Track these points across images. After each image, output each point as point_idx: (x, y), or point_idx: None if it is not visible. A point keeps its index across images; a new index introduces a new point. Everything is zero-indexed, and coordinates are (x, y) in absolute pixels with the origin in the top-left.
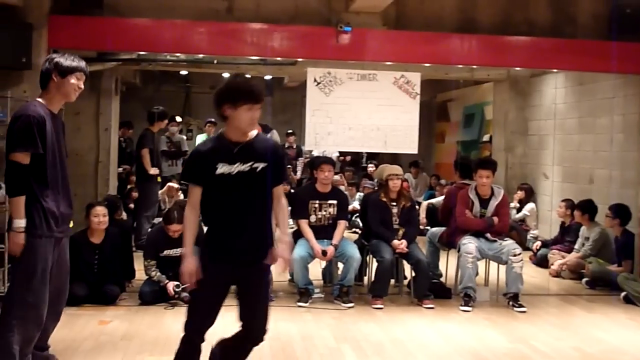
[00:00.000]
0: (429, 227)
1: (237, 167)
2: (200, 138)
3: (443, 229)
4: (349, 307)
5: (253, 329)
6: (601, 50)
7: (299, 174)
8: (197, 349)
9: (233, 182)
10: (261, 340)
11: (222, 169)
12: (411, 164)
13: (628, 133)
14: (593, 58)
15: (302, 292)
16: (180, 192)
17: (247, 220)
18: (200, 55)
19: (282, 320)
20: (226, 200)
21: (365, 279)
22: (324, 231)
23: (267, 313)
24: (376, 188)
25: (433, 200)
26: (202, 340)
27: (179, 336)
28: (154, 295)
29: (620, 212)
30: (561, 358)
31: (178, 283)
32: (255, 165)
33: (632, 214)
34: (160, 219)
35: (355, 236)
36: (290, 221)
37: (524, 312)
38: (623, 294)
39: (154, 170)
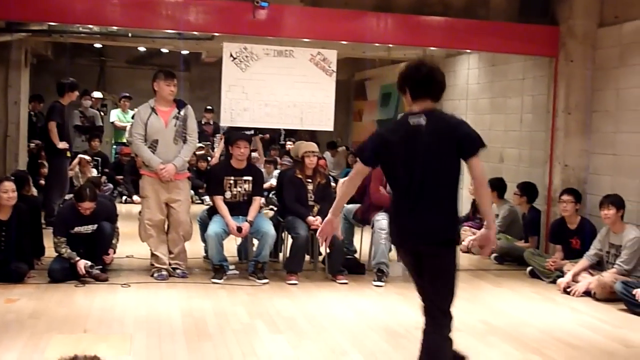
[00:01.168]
0: (346, 205)
1: None
2: (114, 113)
3: (358, 205)
4: (264, 284)
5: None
6: (512, 32)
7: (216, 150)
8: None
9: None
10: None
11: None
12: (329, 144)
13: (537, 113)
14: (504, 40)
15: (216, 269)
16: (93, 166)
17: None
18: (115, 28)
19: (195, 297)
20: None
21: (281, 255)
22: (239, 207)
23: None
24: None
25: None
26: None
27: (89, 314)
28: (64, 273)
29: (528, 190)
30: (469, 330)
31: (88, 262)
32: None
33: (539, 192)
34: (72, 195)
35: (272, 213)
36: (207, 197)
37: None
38: (529, 268)
39: (62, 145)
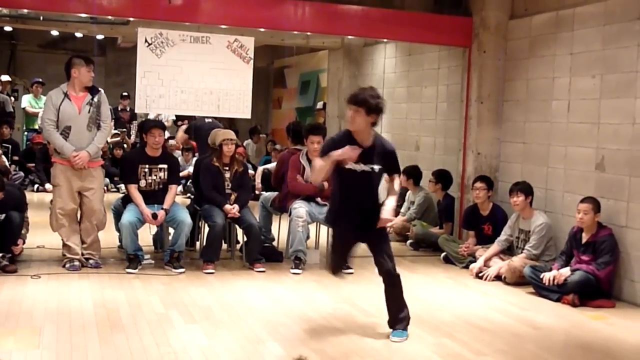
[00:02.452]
0: (264, 192)
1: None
2: (26, 99)
3: (276, 193)
4: (180, 273)
5: None
6: (427, 22)
7: (132, 137)
8: None
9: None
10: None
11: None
12: (251, 131)
13: (451, 102)
14: (420, 30)
15: (131, 259)
16: (3, 157)
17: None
18: (25, 11)
19: (109, 288)
20: None
21: (198, 244)
22: (154, 196)
23: None
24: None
25: (268, 166)
26: None
27: None
28: None
29: (442, 177)
30: (383, 316)
31: None
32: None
33: (453, 179)
34: None
35: (188, 201)
36: (122, 186)
37: (352, 273)
38: (443, 254)
39: None
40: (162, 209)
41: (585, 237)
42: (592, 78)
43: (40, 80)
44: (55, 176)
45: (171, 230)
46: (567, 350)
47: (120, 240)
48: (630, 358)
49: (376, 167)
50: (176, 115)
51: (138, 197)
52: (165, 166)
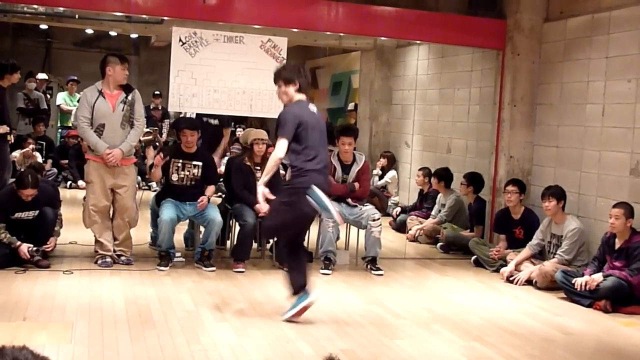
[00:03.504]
0: None
1: None
2: (61, 96)
3: None
4: (210, 271)
5: None
6: (461, 24)
7: (164, 136)
8: None
9: None
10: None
11: None
12: None
13: (483, 105)
14: (453, 32)
15: (162, 256)
16: (37, 153)
17: None
18: (61, 9)
19: (140, 284)
20: None
21: (228, 243)
22: (185, 192)
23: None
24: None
25: None
26: None
27: (29, 301)
28: (4, 259)
29: (474, 180)
30: (413, 318)
31: (31, 245)
32: None
33: (485, 182)
34: (13, 180)
35: (219, 200)
36: (154, 184)
37: (381, 275)
38: (473, 257)
39: (1, 129)
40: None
41: (618, 243)
42: (628, 82)
43: (76, 78)
44: (89, 173)
45: (202, 229)
46: (598, 356)
47: (152, 238)
48: None
49: None
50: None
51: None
52: (200, 164)
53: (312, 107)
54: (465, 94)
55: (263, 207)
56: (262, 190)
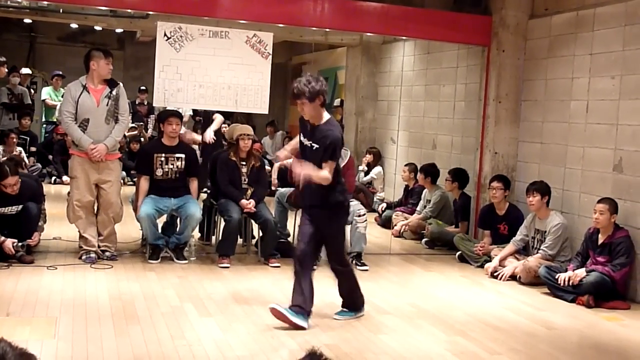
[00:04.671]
0: (280, 188)
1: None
2: (46, 91)
3: (292, 189)
4: (183, 264)
5: None
6: (446, 20)
7: (150, 131)
8: None
9: None
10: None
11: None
12: (267, 124)
13: (469, 101)
14: (439, 28)
15: (153, 249)
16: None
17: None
18: (45, 3)
19: (124, 280)
20: None
21: (213, 238)
22: (170, 186)
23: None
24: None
25: (285, 162)
26: None
27: (12, 297)
28: None
29: (459, 176)
30: (397, 313)
31: (16, 240)
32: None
33: (470, 178)
34: None
35: (205, 195)
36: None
37: (366, 270)
38: (458, 253)
39: None
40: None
41: (601, 238)
42: (612, 79)
43: (60, 73)
44: (73, 168)
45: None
46: (581, 350)
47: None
48: None
49: (315, 146)
50: (193, 110)
51: (142, 189)
52: (183, 156)
53: None
54: (451, 90)
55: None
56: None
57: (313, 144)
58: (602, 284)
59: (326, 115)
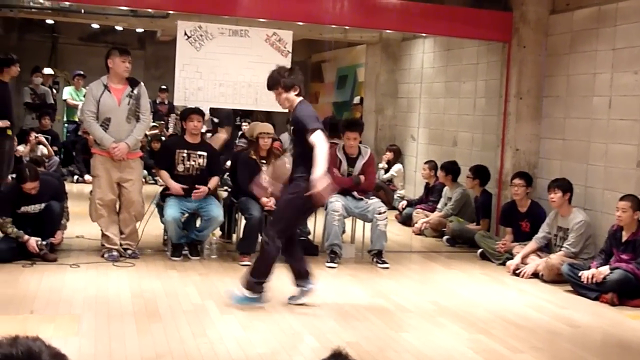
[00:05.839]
0: None
1: None
2: (67, 91)
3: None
4: (196, 259)
5: None
6: (467, 17)
7: (171, 130)
8: None
9: None
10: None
11: None
12: (288, 121)
13: (489, 98)
14: (459, 24)
15: (175, 247)
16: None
17: None
18: (67, 4)
19: (146, 278)
20: None
21: (234, 236)
22: (191, 182)
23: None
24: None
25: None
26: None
27: (36, 295)
28: (11, 253)
29: (480, 173)
30: (419, 311)
31: (39, 239)
32: None
33: (491, 175)
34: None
35: (226, 194)
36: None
37: (387, 268)
38: (479, 250)
39: (1, 123)
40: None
41: (625, 236)
42: (635, 74)
43: (82, 72)
44: (95, 167)
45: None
46: (604, 349)
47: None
48: None
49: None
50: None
51: (166, 177)
52: (205, 154)
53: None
54: (471, 86)
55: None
56: (326, 180)
57: (293, 130)
58: (626, 282)
59: (297, 100)
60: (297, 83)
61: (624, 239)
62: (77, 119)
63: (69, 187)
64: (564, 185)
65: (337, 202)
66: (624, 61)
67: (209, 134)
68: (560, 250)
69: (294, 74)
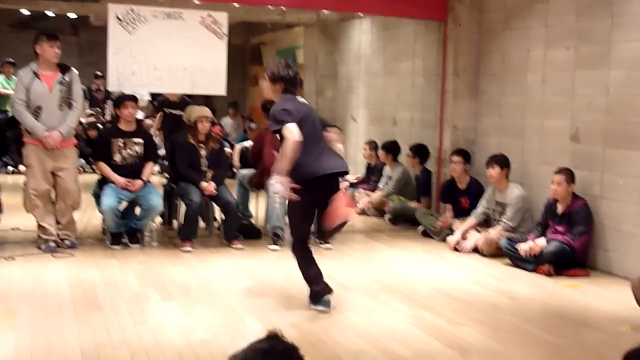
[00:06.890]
0: (241, 170)
1: None
2: None
3: (253, 170)
4: (135, 247)
5: None
6: None
7: (107, 116)
8: None
9: None
10: None
11: None
12: (229, 104)
13: (427, 77)
14: (396, 3)
15: (114, 236)
16: None
17: None
18: None
19: (85, 268)
20: None
21: (175, 222)
22: (130, 171)
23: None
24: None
25: (246, 144)
26: None
27: None
28: None
29: (420, 152)
30: (362, 290)
31: None
32: None
33: (431, 153)
34: None
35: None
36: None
37: (330, 249)
38: (420, 228)
39: None
40: (141, 179)
41: (560, 208)
42: (567, 50)
43: (12, 60)
44: (27, 157)
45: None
46: (543, 319)
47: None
48: (605, 325)
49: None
50: (151, 94)
51: (106, 169)
52: (141, 141)
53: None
54: (409, 66)
55: (292, 196)
56: (284, 180)
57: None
58: (562, 253)
59: (280, 96)
60: (285, 80)
61: (559, 211)
62: (8, 109)
63: (3, 178)
64: (501, 161)
65: (278, 184)
66: (557, 37)
67: (148, 120)
68: (498, 224)
69: (286, 70)
